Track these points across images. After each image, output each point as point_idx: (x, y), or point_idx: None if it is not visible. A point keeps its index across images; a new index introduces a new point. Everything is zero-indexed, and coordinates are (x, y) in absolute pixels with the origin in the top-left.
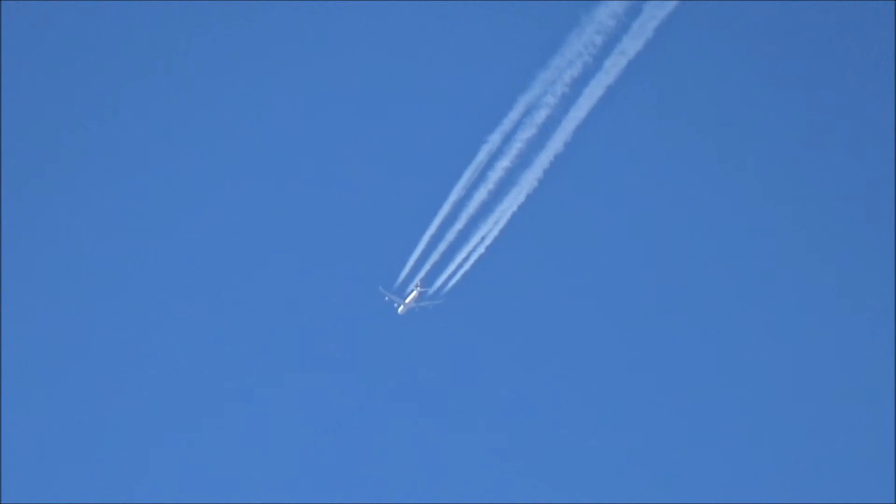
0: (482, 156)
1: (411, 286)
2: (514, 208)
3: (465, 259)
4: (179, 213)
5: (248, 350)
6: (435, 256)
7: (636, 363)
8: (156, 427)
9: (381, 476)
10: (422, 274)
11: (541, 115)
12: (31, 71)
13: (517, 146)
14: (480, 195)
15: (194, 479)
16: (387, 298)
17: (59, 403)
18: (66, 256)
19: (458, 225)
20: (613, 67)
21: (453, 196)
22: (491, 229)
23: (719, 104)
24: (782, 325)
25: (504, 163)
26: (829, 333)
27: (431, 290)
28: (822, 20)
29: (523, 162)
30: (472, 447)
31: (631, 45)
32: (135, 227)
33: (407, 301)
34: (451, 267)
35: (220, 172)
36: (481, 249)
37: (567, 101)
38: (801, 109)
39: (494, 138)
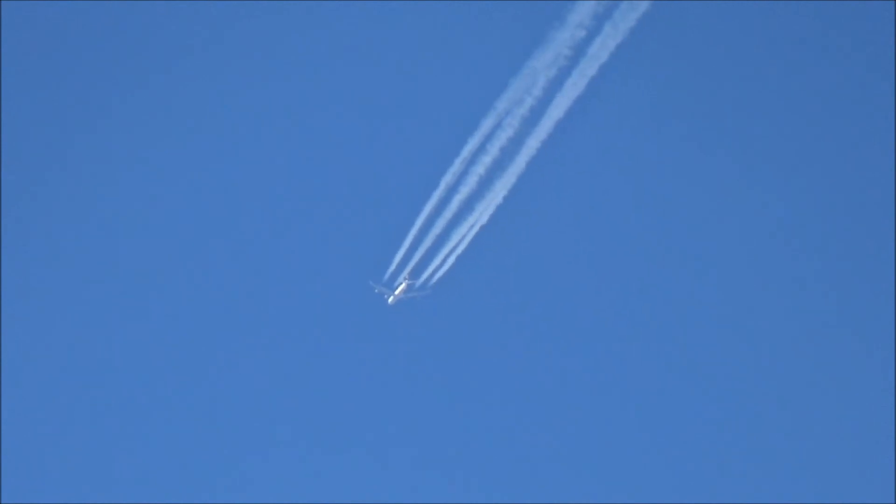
0: (467, 150)
1: (399, 279)
2: (499, 201)
3: (451, 252)
4: (173, 210)
5: (247, 347)
6: (422, 251)
7: (627, 359)
8: (156, 427)
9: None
10: (409, 267)
11: (524, 109)
12: (31, 71)
13: (501, 142)
14: (466, 189)
15: (195, 478)
16: (377, 290)
17: (59, 403)
18: (66, 256)
19: (445, 219)
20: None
21: (439, 191)
22: (475, 222)
23: (717, 104)
24: (781, 324)
25: (489, 157)
26: (829, 333)
27: (419, 282)
28: (821, 20)
29: (508, 155)
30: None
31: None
32: (133, 226)
33: (396, 292)
34: (438, 260)
35: (212, 169)
36: (466, 243)
37: (550, 94)
38: (800, 110)
39: (479, 133)
